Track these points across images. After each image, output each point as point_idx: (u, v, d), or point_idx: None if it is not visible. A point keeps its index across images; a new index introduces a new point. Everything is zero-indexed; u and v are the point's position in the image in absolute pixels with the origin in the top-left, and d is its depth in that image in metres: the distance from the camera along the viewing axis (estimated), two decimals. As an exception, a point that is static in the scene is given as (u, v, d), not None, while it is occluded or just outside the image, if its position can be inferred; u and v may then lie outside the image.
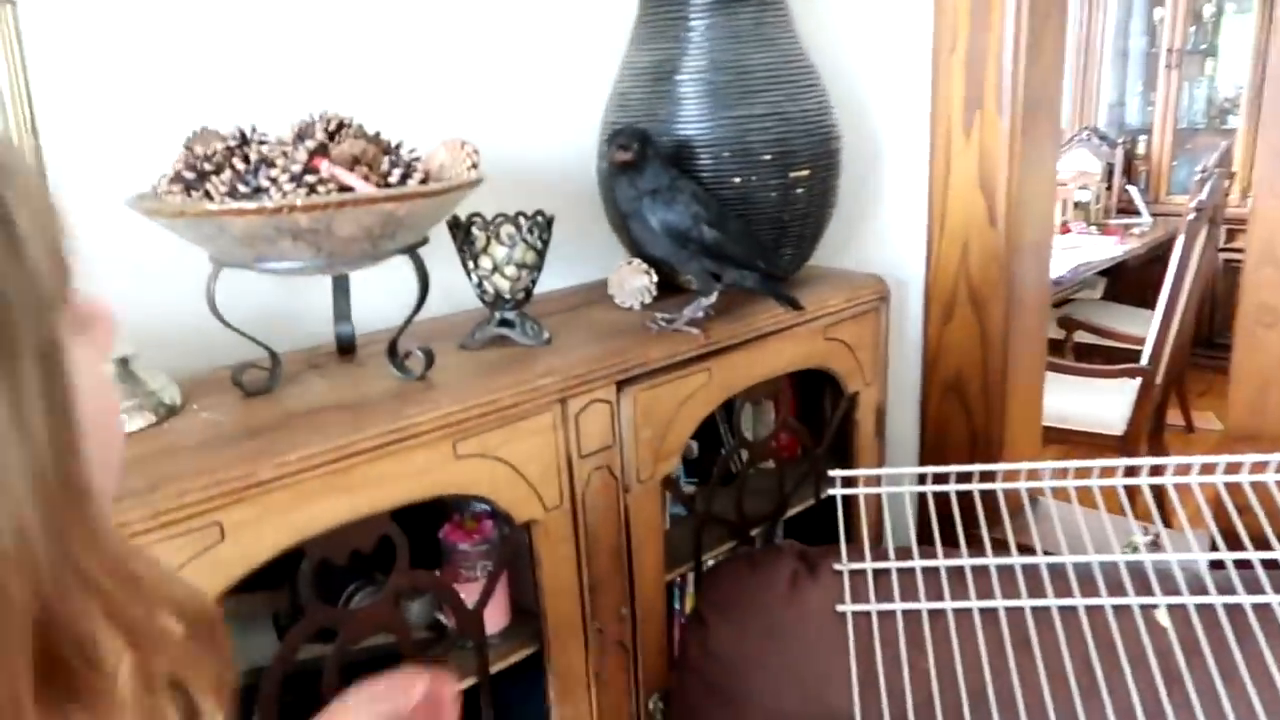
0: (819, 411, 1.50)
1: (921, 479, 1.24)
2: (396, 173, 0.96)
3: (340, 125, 1.05)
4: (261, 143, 0.98)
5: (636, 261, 1.33)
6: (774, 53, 1.26)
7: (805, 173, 1.27)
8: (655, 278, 1.32)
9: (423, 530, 1.11)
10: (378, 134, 1.07)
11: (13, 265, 0.31)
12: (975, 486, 1.20)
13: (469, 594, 1.08)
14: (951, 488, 1.22)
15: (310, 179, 0.90)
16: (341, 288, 1.16)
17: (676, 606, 1.36)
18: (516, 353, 1.14)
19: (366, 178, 0.95)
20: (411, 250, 1.02)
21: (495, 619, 1.13)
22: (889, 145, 1.58)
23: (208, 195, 0.91)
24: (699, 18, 1.24)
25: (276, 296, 1.16)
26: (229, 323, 1.00)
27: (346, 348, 1.17)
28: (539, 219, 1.15)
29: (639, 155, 1.17)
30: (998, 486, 1.20)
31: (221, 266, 0.98)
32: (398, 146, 1.06)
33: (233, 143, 0.96)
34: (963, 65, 1.47)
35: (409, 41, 1.27)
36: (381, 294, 1.11)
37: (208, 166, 0.92)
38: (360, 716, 0.66)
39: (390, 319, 1.09)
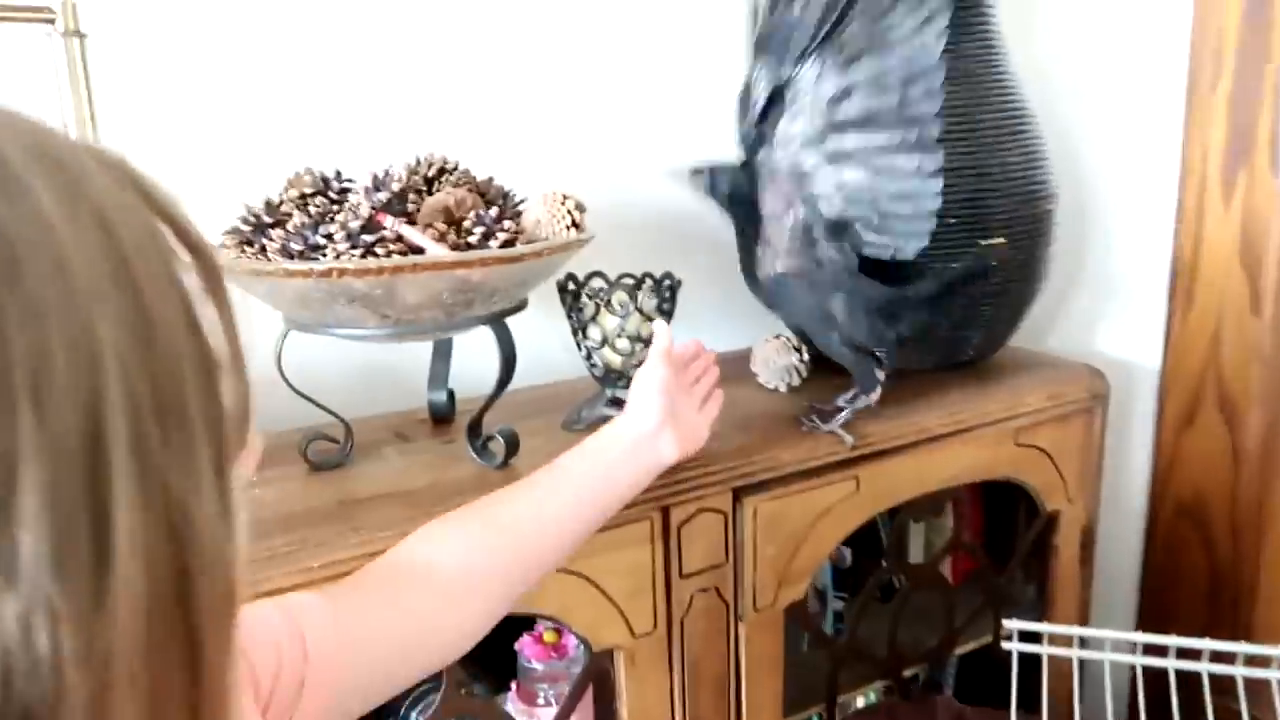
0: (1011, 526, 1.23)
1: (1132, 646, 0.96)
2: (478, 231, 0.82)
3: (442, 170, 0.92)
4: (342, 191, 0.87)
5: (785, 336, 1.13)
6: (971, 92, 1.02)
7: (1001, 241, 1.02)
8: (806, 355, 1.12)
9: (499, 636, 0.96)
10: (489, 179, 0.94)
11: (241, 382, 0.32)
12: (1205, 667, 0.91)
13: (539, 723, 0.91)
14: (1171, 664, 0.93)
15: (369, 237, 0.77)
16: (441, 350, 1.04)
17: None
18: (622, 441, 0.97)
19: (443, 236, 0.82)
20: (497, 319, 0.87)
21: (572, 753, 0.96)
22: (1119, 206, 1.29)
23: (263, 251, 0.80)
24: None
25: (373, 350, 1.05)
26: (297, 388, 0.89)
27: (441, 417, 1.05)
28: (659, 285, 0.97)
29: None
30: (1238, 671, 0.90)
31: (291, 327, 0.87)
32: (505, 196, 0.93)
33: (308, 190, 0.85)
34: (1226, 107, 1.16)
35: (532, 78, 1.14)
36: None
37: (267, 218, 0.81)
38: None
39: (517, 377, 0.94)
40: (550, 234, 0.86)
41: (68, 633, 0.25)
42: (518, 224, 0.86)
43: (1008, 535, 1.22)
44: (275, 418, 0.95)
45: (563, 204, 0.85)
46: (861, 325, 0.96)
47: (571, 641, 0.96)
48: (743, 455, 0.93)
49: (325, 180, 0.87)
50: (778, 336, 1.12)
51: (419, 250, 0.80)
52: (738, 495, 0.93)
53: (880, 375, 0.98)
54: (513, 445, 0.91)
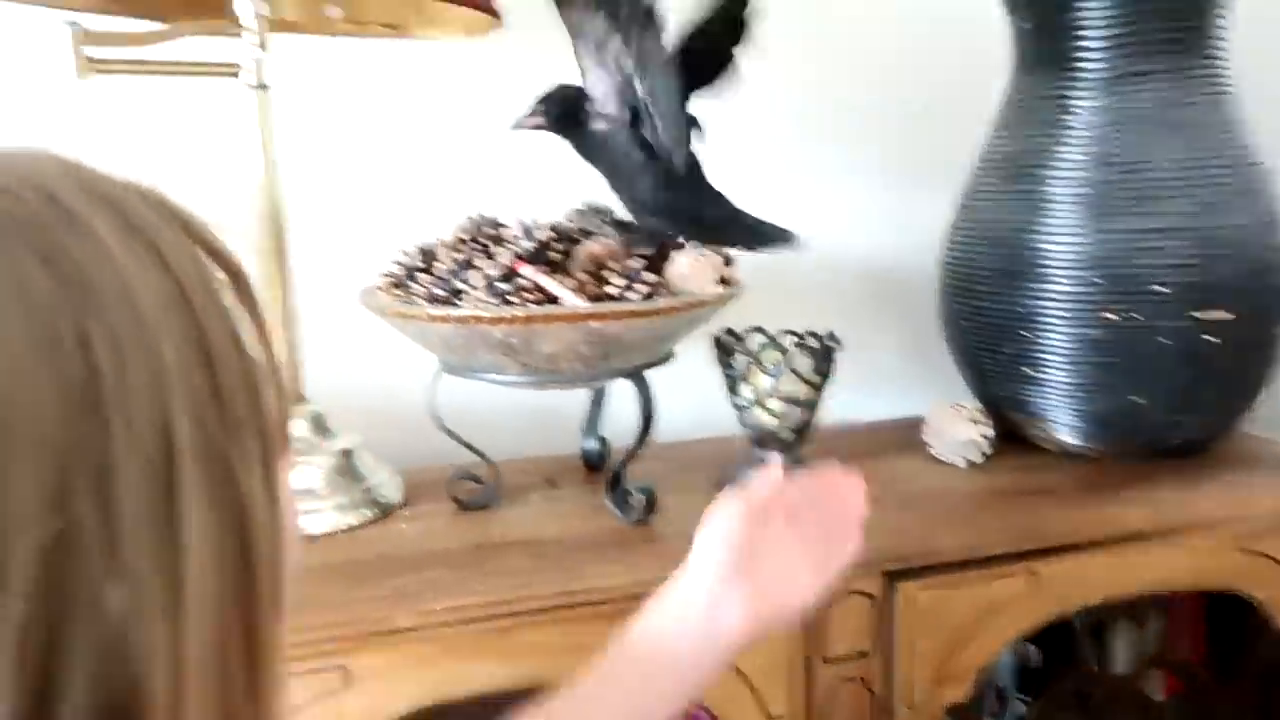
0: (1238, 642, 1.05)
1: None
2: (619, 282, 0.80)
3: (599, 214, 0.92)
4: (495, 237, 0.88)
5: (971, 405, 1.03)
6: (1193, 143, 0.89)
7: (1222, 314, 0.88)
8: (992, 429, 1.01)
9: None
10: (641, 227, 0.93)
11: (279, 390, 0.34)
12: None
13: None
14: None
15: (507, 286, 0.77)
16: (596, 395, 1.03)
17: None
18: (772, 507, 0.91)
19: (583, 287, 0.80)
20: (638, 372, 0.85)
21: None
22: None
23: (413, 295, 0.82)
24: (1085, 97, 0.92)
25: (528, 392, 1.06)
26: (449, 428, 0.91)
27: (594, 464, 1.03)
28: (816, 344, 0.91)
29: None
30: None
31: (442, 369, 0.89)
32: (663, 242, 0.91)
33: (463, 235, 0.87)
34: None
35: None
36: (665, 396, 0.92)
37: (419, 263, 0.83)
38: None
39: (681, 429, 0.93)
40: (697, 287, 0.83)
41: (155, 628, 0.28)
42: (663, 276, 0.83)
43: (1233, 652, 1.05)
44: (429, 454, 0.97)
45: (708, 256, 0.82)
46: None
47: (702, 717, 0.91)
48: (898, 535, 0.85)
49: (480, 225, 0.88)
50: (959, 405, 1.03)
51: (556, 300, 0.79)
52: (891, 580, 0.85)
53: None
54: (651, 502, 0.88)
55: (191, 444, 0.29)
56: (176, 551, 0.29)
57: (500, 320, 0.75)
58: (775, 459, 0.66)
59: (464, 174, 1.06)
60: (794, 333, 0.98)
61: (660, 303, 0.78)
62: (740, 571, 0.59)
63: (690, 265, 0.85)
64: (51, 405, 0.26)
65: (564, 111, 0.82)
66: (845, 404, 1.06)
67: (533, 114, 0.84)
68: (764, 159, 1.16)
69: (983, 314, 1.00)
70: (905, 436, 1.07)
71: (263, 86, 0.79)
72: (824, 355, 0.91)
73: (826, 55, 1.16)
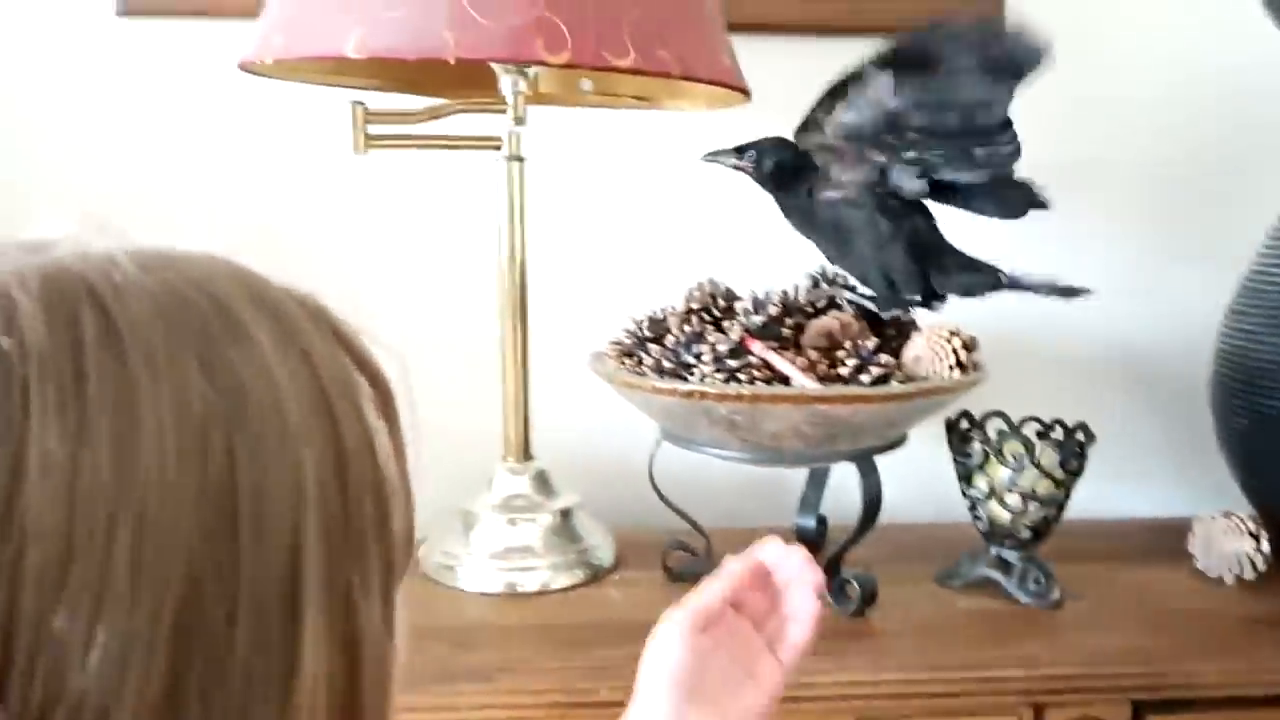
0: None
1: None
2: (851, 363, 0.78)
3: (831, 283, 0.90)
4: (726, 309, 0.88)
5: (1239, 516, 0.91)
6: None
7: None
8: (1267, 543, 0.89)
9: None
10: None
11: (409, 507, 0.33)
12: None
13: None
14: None
15: (735, 362, 0.76)
16: (816, 473, 0.99)
17: None
18: (1002, 611, 0.85)
19: (813, 366, 0.78)
20: (865, 456, 0.81)
21: None
22: None
23: (640, 364, 0.83)
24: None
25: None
26: (666, 496, 0.91)
27: (808, 543, 1.00)
28: (1063, 436, 0.84)
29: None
30: None
31: (663, 438, 0.89)
32: (895, 325, 0.87)
33: (694, 305, 0.87)
34: None
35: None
36: (888, 472, 0.88)
37: (648, 332, 0.84)
38: None
39: (903, 510, 0.89)
40: (930, 372, 0.78)
41: None
42: (898, 359, 0.80)
43: None
44: (642, 514, 0.98)
45: (948, 341, 0.78)
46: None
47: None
48: (1148, 660, 0.76)
49: (713, 296, 0.88)
50: (1228, 514, 0.91)
51: (785, 379, 0.77)
52: (1138, 711, 0.76)
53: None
54: (870, 595, 0.84)
55: (318, 566, 0.29)
56: (291, 666, 0.28)
57: (725, 397, 0.74)
58: (729, 562, 0.57)
59: (698, 239, 1.07)
60: (1037, 420, 0.91)
61: (894, 388, 0.74)
62: (693, 698, 0.53)
63: (927, 346, 0.81)
64: (190, 516, 0.27)
65: (778, 166, 0.81)
66: (1090, 496, 0.96)
67: (742, 158, 0.83)
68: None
69: (1264, 412, 0.89)
70: (1159, 541, 0.97)
71: (519, 159, 0.83)
72: (1074, 449, 0.83)
73: (1085, 99, 1.08)
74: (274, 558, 0.28)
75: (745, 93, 0.78)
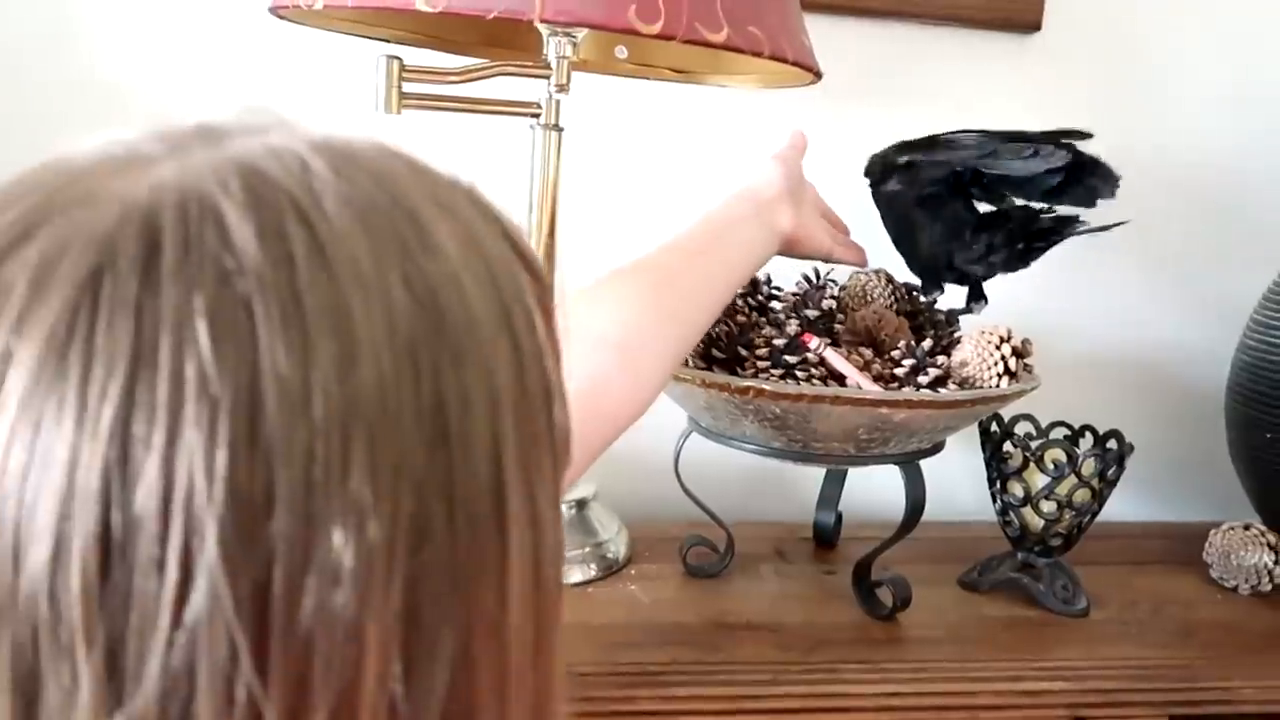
0: None
1: None
2: (907, 364, 0.74)
3: (876, 274, 0.87)
4: (770, 297, 0.84)
5: (1259, 528, 0.92)
6: None
7: None
8: (1287, 557, 0.90)
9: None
10: (917, 296, 0.87)
11: (565, 403, 0.33)
12: None
13: None
14: None
15: (792, 358, 0.73)
16: (836, 471, 0.97)
17: None
18: (1031, 618, 0.83)
19: (867, 365, 0.75)
20: (911, 460, 0.79)
21: None
22: None
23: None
24: None
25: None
26: (691, 492, 0.87)
27: (825, 540, 0.97)
28: (1108, 448, 0.83)
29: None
30: None
31: (693, 429, 0.85)
32: (941, 323, 0.85)
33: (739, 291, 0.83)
34: None
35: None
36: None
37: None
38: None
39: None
40: (976, 376, 0.76)
41: (488, 644, 0.29)
42: (949, 359, 0.77)
43: None
44: (654, 503, 0.94)
45: (998, 347, 0.75)
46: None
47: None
48: (1186, 676, 0.76)
49: (755, 283, 0.84)
50: (1248, 526, 0.92)
51: (840, 377, 0.74)
52: (1177, 724, 0.75)
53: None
54: (905, 598, 0.81)
55: (515, 463, 0.29)
56: (502, 564, 0.29)
57: (785, 396, 0.70)
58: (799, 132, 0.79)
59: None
60: (1062, 424, 0.90)
61: (959, 393, 0.71)
62: (791, 191, 0.75)
63: (974, 351, 0.78)
64: (412, 434, 0.27)
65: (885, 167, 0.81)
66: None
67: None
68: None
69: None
70: (1174, 549, 0.97)
71: (557, 128, 0.77)
72: (1115, 460, 0.82)
73: (1119, 102, 1.06)
74: (481, 468, 0.28)
75: (817, 74, 0.73)
